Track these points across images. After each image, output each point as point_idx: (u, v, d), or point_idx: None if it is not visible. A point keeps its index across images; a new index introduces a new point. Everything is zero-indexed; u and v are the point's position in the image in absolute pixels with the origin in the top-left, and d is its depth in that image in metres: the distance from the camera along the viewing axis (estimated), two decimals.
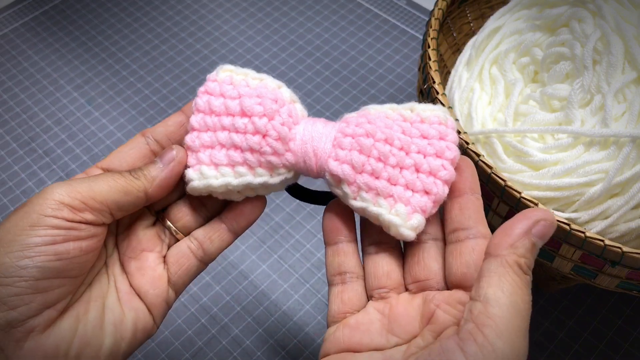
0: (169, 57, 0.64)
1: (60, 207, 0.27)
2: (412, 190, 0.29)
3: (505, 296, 0.26)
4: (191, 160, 0.30)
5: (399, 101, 0.59)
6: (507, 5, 0.46)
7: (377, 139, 0.29)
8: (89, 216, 0.27)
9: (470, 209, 0.29)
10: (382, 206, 0.29)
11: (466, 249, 0.28)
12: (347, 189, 0.29)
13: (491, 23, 0.46)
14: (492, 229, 0.38)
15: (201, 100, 0.31)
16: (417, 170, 0.29)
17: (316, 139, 0.30)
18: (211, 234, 0.32)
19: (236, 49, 0.64)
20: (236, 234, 0.32)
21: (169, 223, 0.32)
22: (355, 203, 0.29)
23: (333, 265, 0.31)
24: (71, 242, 0.27)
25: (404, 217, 0.28)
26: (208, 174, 0.30)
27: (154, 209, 0.33)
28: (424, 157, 0.29)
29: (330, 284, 0.31)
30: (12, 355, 0.26)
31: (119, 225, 0.32)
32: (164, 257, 0.32)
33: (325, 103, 0.59)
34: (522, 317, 0.26)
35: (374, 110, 0.31)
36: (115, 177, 0.29)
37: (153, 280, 0.31)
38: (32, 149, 0.56)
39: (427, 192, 0.29)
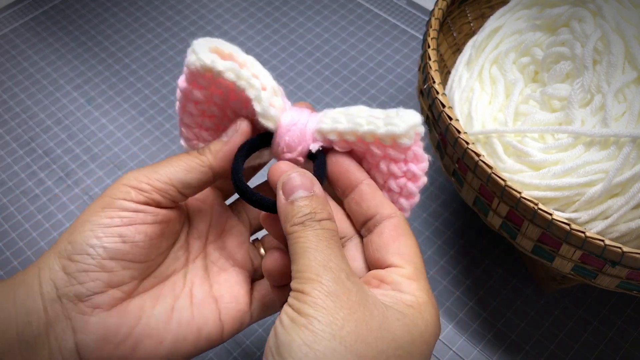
0: (169, 57, 0.64)
1: (128, 190, 0.28)
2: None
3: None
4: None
5: (399, 101, 0.59)
6: (507, 5, 0.46)
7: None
8: (155, 196, 0.28)
9: (365, 199, 0.29)
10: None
11: (375, 236, 0.28)
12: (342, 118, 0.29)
13: (491, 23, 0.46)
14: (492, 228, 0.38)
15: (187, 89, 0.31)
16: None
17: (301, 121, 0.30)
18: None
19: None
20: None
21: (262, 250, 0.33)
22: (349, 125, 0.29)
23: (282, 302, 0.31)
24: (137, 226, 0.28)
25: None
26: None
27: (251, 228, 0.33)
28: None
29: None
30: (77, 326, 0.27)
31: (210, 233, 0.32)
32: (252, 280, 0.33)
33: (325, 103, 0.59)
34: None
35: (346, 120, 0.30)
36: (180, 157, 0.30)
37: (238, 296, 0.32)
38: (32, 149, 0.56)
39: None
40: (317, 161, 0.30)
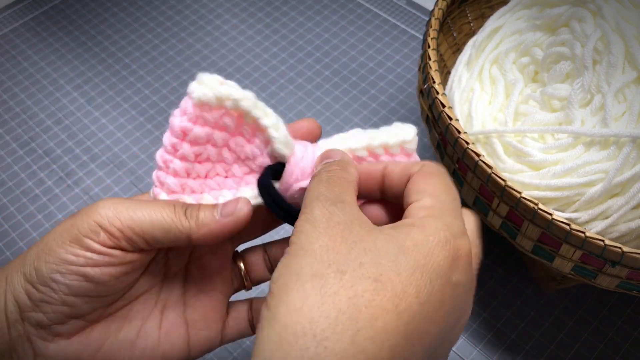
0: (169, 57, 0.64)
1: (98, 231, 0.26)
2: None
3: None
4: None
5: (399, 101, 0.59)
6: (507, 5, 0.46)
7: None
8: (124, 244, 0.27)
9: (394, 177, 0.27)
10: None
11: (409, 187, 0.26)
12: None
13: (491, 23, 0.46)
14: (492, 228, 0.38)
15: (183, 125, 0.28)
16: None
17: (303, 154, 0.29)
18: None
19: (236, 49, 0.64)
20: None
21: (244, 271, 0.32)
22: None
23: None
24: (103, 267, 0.26)
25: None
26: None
27: (233, 244, 0.32)
28: None
29: None
30: (38, 350, 0.27)
31: (194, 251, 0.31)
32: (228, 302, 0.32)
33: (325, 103, 0.59)
34: None
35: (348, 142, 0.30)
36: (163, 209, 0.27)
37: (211, 323, 0.30)
38: (32, 149, 0.56)
39: None
40: None
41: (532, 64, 0.43)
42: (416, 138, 0.29)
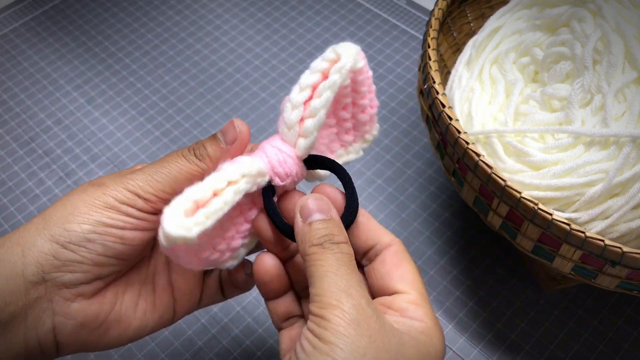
0: (169, 57, 0.64)
1: (135, 198, 0.28)
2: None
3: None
4: None
5: (399, 101, 0.59)
6: (507, 5, 0.46)
7: None
8: (161, 206, 0.28)
9: (364, 231, 0.30)
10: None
11: (377, 264, 0.29)
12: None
13: (491, 23, 0.46)
14: (492, 228, 0.38)
15: None
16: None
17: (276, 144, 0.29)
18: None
19: (236, 49, 0.64)
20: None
21: None
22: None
23: (278, 315, 0.31)
24: (138, 232, 0.29)
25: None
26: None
27: None
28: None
29: (279, 329, 0.31)
30: (58, 309, 0.28)
31: None
32: (205, 273, 0.34)
33: None
34: None
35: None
36: (176, 162, 0.29)
37: (192, 288, 0.33)
38: (32, 149, 0.56)
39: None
40: (333, 169, 0.31)
41: (532, 64, 0.43)
42: (360, 53, 0.29)
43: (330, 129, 0.32)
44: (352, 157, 0.34)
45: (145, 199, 0.28)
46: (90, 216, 0.28)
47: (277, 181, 0.29)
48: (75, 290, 0.28)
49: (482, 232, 0.50)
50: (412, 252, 0.49)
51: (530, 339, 0.44)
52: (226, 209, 0.26)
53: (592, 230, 0.36)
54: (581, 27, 0.40)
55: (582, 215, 0.36)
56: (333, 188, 0.30)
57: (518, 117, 0.41)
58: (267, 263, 0.30)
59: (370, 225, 0.30)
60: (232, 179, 0.27)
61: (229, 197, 0.27)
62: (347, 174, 0.30)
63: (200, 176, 0.29)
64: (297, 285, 0.31)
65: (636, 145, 0.35)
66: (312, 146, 0.29)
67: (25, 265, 0.27)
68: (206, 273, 0.34)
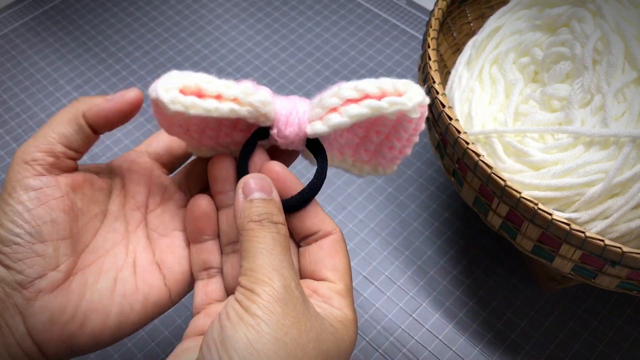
0: (169, 57, 0.64)
1: (24, 167, 0.28)
2: None
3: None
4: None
5: None
6: (507, 5, 0.46)
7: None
8: (49, 159, 0.29)
9: (309, 217, 0.30)
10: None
11: (314, 248, 0.30)
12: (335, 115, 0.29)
13: (491, 23, 0.46)
14: (492, 228, 0.38)
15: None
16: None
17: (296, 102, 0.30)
18: None
19: (236, 49, 0.64)
20: None
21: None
22: (351, 109, 0.28)
23: (198, 262, 0.32)
24: (48, 203, 0.28)
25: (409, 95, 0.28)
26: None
27: (189, 191, 0.34)
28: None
29: (195, 279, 0.32)
30: (25, 312, 0.28)
31: (149, 202, 0.33)
32: None
33: None
34: None
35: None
36: (60, 115, 0.30)
37: (180, 259, 0.32)
38: None
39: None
40: (318, 157, 0.31)
41: (532, 64, 0.43)
42: (425, 100, 0.29)
43: (354, 136, 0.31)
44: (354, 172, 0.34)
45: (31, 161, 0.28)
46: (2, 212, 0.28)
47: (274, 132, 0.30)
48: (32, 289, 0.28)
49: (482, 232, 0.50)
50: (412, 252, 0.49)
51: (530, 339, 0.44)
52: (214, 115, 0.27)
53: (592, 230, 0.36)
54: (581, 27, 0.40)
55: (582, 215, 0.36)
56: (284, 168, 0.30)
57: (518, 117, 0.41)
58: (203, 201, 0.31)
59: (317, 212, 0.30)
60: (240, 99, 0.28)
61: (225, 110, 0.28)
62: (325, 167, 0.31)
63: (74, 115, 0.29)
64: (223, 239, 0.32)
65: (636, 145, 0.35)
66: (323, 135, 0.30)
67: None
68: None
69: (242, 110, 0.28)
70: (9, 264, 0.28)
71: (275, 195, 0.29)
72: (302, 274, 0.30)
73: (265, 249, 0.27)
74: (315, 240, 0.30)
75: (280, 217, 0.28)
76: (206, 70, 0.62)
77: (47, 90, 0.61)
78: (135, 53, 0.64)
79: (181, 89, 0.27)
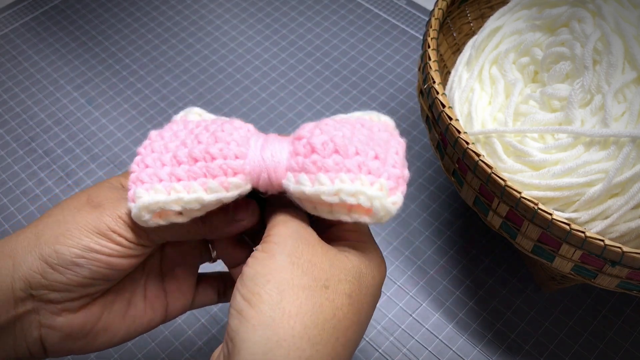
0: (169, 57, 0.64)
1: (127, 230, 0.28)
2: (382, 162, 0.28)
3: None
4: (142, 175, 0.28)
5: (399, 101, 0.59)
6: (507, 5, 0.46)
7: (333, 135, 0.28)
8: (146, 242, 0.29)
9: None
10: (355, 182, 0.27)
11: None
12: (305, 177, 0.27)
13: (491, 23, 0.46)
14: (492, 228, 0.38)
15: (155, 133, 0.30)
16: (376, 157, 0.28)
17: (273, 147, 0.29)
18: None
19: (236, 49, 0.64)
20: None
21: (214, 253, 0.35)
22: (322, 188, 0.27)
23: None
24: (125, 259, 0.29)
25: (385, 190, 0.27)
26: (159, 189, 0.28)
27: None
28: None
29: None
30: (44, 322, 0.29)
31: None
32: (198, 275, 0.35)
33: (325, 103, 0.59)
34: None
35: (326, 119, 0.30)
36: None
37: (185, 292, 0.34)
38: (32, 149, 0.56)
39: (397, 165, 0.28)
40: None
41: (532, 64, 0.43)
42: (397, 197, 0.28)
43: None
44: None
45: (135, 232, 0.29)
46: (81, 241, 0.28)
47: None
48: (61, 306, 0.29)
49: (482, 232, 0.50)
50: (412, 252, 0.49)
51: (530, 339, 0.44)
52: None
53: (592, 230, 0.36)
54: (581, 27, 0.40)
55: (582, 215, 0.36)
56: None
57: (518, 117, 0.41)
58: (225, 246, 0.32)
59: None
60: (205, 200, 0.28)
61: (193, 211, 0.28)
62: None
63: (198, 236, 0.30)
64: None
65: (636, 145, 0.35)
66: None
67: (15, 280, 0.28)
68: (199, 276, 0.35)
69: (211, 201, 0.28)
70: (52, 282, 0.28)
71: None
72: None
73: (280, 210, 0.29)
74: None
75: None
76: (206, 70, 0.62)
77: (47, 90, 0.61)
78: (135, 53, 0.64)
79: (156, 213, 0.28)
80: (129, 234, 0.28)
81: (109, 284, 0.30)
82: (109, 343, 0.31)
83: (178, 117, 0.31)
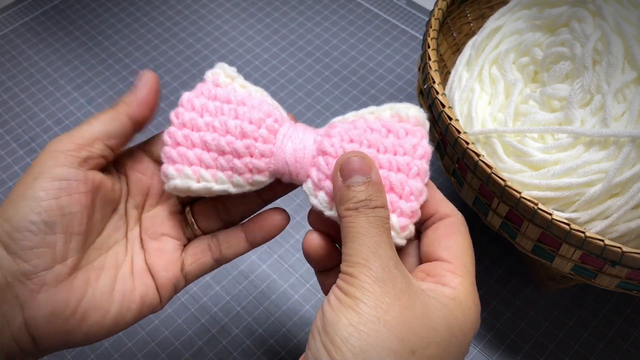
0: (169, 57, 0.64)
1: (57, 155, 0.28)
2: (399, 195, 0.28)
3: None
4: (173, 154, 0.31)
5: (399, 101, 0.59)
6: (507, 5, 0.46)
7: (362, 144, 0.29)
8: (83, 153, 0.29)
9: (426, 199, 0.30)
10: None
11: (430, 231, 0.30)
12: (323, 197, 0.29)
13: (491, 23, 0.46)
14: (492, 228, 0.38)
15: (186, 99, 0.32)
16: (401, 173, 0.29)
17: (297, 144, 0.30)
18: (230, 240, 0.33)
19: (236, 49, 0.64)
20: (252, 245, 0.34)
21: (192, 219, 0.34)
22: (333, 213, 0.29)
23: (327, 287, 0.31)
24: (73, 195, 0.28)
25: (396, 228, 0.28)
26: (189, 175, 0.30)
27: (182, 200, 0.34)
28: (405, 159, 0.29)
29: None
30: (26, 304, 0.28)
31: (146, 204, 0.33)
32: (184, 246, 0.34)
33: (325, 103, 0.59)
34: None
35: (353, 116, 0.31)
36: (98, 114, 0.31)
37: (168, 264, 0.32)
38: (32, 149, 0.56)
39: (413, 195, 0.28)
40: None
41: (532, 64, 0.43)
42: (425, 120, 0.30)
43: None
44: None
45: (65, 151, 0.29)
46: (23, 197, 0.27)
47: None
48: (37, 280, 0.28)
49: (482, 232, 0.50)
50: None
51: (530, 339, 0.44)
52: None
53: (592, 230, 0.36)
54: (581, 27, 0.40)
55: (582, 215, 0.36)
56: None
57: (518, 117, 0.41)
58: (314, 242, 0.31)
59: (433, 195, 0.30)
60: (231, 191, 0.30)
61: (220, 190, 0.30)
62: None
63: (119, 118, 0.31)
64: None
65: (636, 145, 0.35)
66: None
67: None
68: (190, 247, 0.34)
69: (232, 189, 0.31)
70: (16, 251, 0.27)
71: (375, 175, 0.28)
72: (421, 259, 0.30)
73: (361, 232, 0.26)
74: (433, 223, 0.30)
75: (379, 200, 0.27)
76: (206, 70, 0.62)
77: (47, 90, 0.61)
78: (135, 53, 0.64)
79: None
80: (62, 159, 0.28)
81: (74, 240, 0.29)
82: (101, 324, 0.30)
83: (209, 77, 0.32)
